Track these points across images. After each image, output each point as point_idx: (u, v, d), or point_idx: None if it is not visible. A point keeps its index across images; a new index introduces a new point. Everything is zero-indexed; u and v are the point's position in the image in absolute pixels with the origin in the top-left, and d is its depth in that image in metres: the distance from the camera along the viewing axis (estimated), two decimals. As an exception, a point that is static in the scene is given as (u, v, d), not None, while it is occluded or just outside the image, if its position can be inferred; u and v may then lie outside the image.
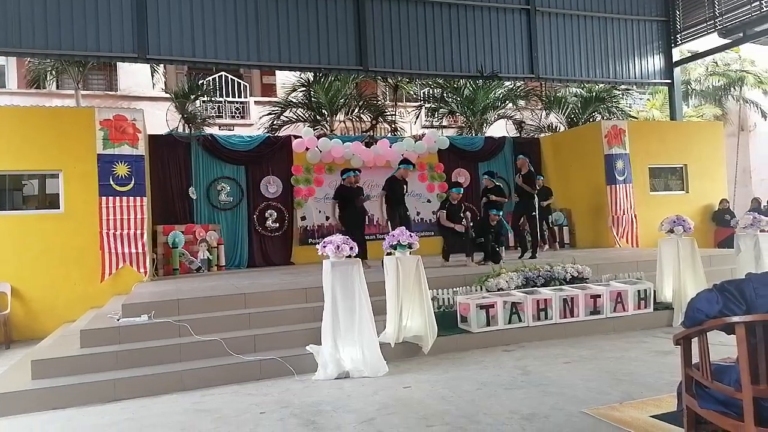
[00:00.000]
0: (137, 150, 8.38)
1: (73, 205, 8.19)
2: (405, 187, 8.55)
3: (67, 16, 9.19)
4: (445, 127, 16.07)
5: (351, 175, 8.63)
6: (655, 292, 6.78)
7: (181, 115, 10.96)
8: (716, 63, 19.47)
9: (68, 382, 4.60)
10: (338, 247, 5.11)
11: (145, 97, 16.78)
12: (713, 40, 12.83)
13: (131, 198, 8.27)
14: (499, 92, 13.90)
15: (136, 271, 8.24)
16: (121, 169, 8.26)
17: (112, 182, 8.21)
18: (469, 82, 13.27)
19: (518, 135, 14.07)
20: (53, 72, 13.99)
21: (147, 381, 4.70)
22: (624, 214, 11.16)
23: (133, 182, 8.30)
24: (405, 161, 8.77)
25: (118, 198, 8.22)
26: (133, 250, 8.20)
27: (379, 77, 13.89)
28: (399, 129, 14.44)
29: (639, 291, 6.60)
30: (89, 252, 8.10)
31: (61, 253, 8.03)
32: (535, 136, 13.98)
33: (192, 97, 11.34)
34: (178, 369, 4.84)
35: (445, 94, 14.50)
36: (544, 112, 14.99)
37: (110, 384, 4.62)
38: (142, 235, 8.27)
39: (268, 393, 4.57)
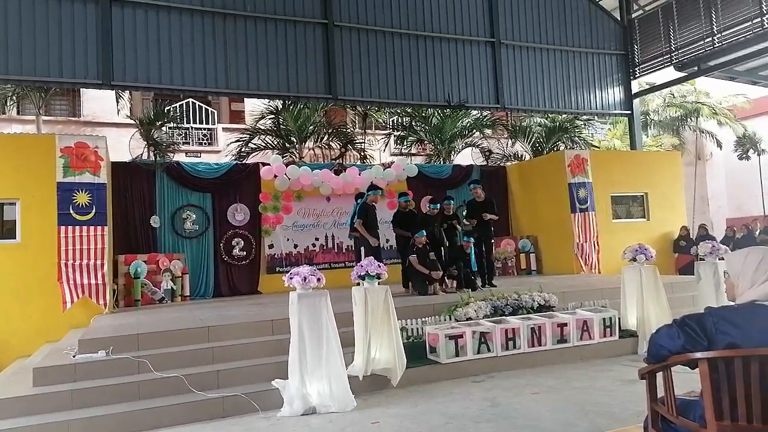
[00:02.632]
0: (99, 178, 8.17)
1: (31, 234, 7.90)
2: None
3: (29, 41, 9.01)
4: (413, 155, 16.22)
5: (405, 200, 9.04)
6: (619, 319, 6.87)
7: (146, 142, 10.78)
8: (673, 95, 20.26)
9: (19, 424, 4.37)
10: (305, 278, 5.04)
11: (110, 123, 16.48)
12: (670, 73, 13.36)
13: (92, 227, 8.01)
14: (467, 121, 14.13)
15: (95, 303, 7.95)
16: (82, 198, 8.03)
17: (71, 211, 7.96)
18: (437, 111, 13.46)
19: (485, 163, 14.29)
20: (14, 97, 13.63)
21: (103, 422, 4.49)
22: (587, 241, 11.38)
23: (94, 211, 8.06)
24: (374, 187, 8.96)
25: (77, 227, 7.95)
26: (93, 281, 7.92)
27: (348, 105, 13.99)
28: (368, 157, 14.50)
29: (604, 319, 6.68)
30: (46, 283, 7.79)
31: (17, 285, 7.70)
32: (502, 165, 14.21)
33: (158, 123, 11.19)
34: (137, 408, 4.65)
35: (413, 123, 14.67)
36: (509, 141, 15.30)
37: (64, 426, 4.40)
38: (102, 265, 8.01)
39: (231, 432, 4.43)
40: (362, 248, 8.48)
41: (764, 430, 2.07)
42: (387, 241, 11.52)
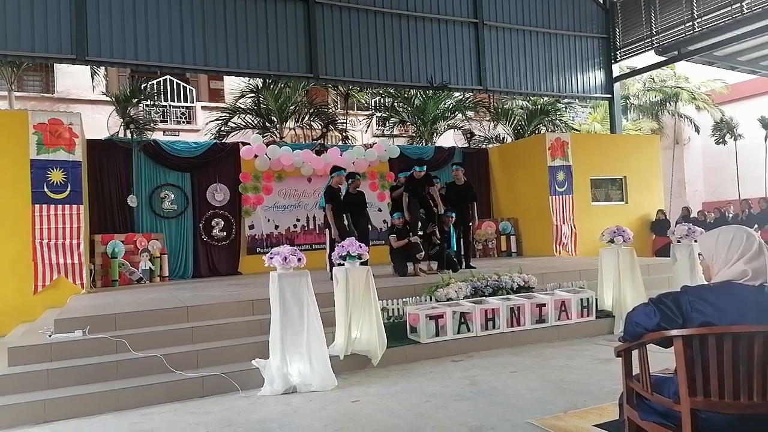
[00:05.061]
0: (74, 155, 7.99)
1: (4, 213, 7.70)
2: (342, 195, 8.17)
3: (-1, 13, 8.71)
4: (395, 136, 16.15)
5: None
6: (597, 300, 6.97)
7: (122, 120, 10.56)
8: (653, 79, 20.42)
9: (-7, 403, 4.30)
10: (285, 258, 5.01)
11: (85, 100, 16.08)
12: (650, 57, 13.46)
13: (67, 206, 7.86)
14: (449, 103, 14.09)
15: (71, 283, 7.84)
16: (56, 176, 7.85)
17: (46, 189, 7.79)
18: (420, 93, 13.39)
19: (467, 145, 14.30)
20: (-16, 72, 13.20)
21: (80, 401, 4.44)
22: (564, 224, 11.52)
23: (69, 189, 7.90)
24: (335, 168, 8.37)
25: (52, 206, 7.80)
26: (69, 261, 7.80)
27: (330, 85, 13.83)
28: (350, 137, 14.40)
29: (582, 299, 6.77)
30: (21, 263, 7.64)
31: (-10, 264, 7.55)
32: (484, 147, 14.24)
33: (134, 100, 10.95)
34: (115, 387, 4.59)
35: (395, 104, 14.59)
36: (491, 124, 15.31)
37: (40, 405, 4.34)
38: (78, 245, 7.88)
39: (210, 411, 4.41)
40: (326, 231, 8.12)
41: (735, 405, 2.12)
42: (385, 221, 11.51)
